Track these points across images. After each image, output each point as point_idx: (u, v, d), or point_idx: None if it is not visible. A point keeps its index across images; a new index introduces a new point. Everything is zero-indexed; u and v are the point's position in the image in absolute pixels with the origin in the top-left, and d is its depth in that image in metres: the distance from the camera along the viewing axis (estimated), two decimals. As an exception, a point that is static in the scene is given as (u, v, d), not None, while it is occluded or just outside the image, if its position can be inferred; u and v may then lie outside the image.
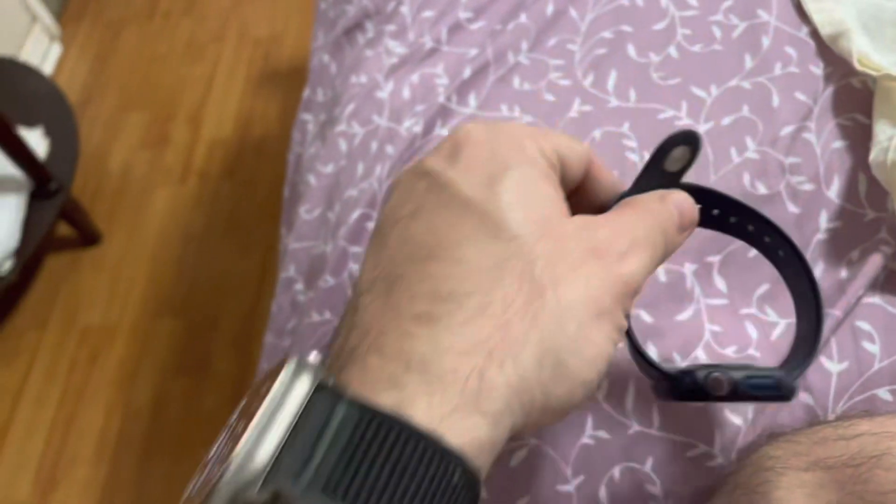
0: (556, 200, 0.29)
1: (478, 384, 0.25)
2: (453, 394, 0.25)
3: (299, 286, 0.62)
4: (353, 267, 0.58)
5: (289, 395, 0.23)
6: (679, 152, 0.32)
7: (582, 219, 0.29)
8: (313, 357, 0.25)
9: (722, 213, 0.37)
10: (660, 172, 0.33)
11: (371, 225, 0.59)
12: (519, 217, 0.27)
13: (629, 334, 0.34)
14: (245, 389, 1.33)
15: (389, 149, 0.61)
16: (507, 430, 0.26)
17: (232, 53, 1.91)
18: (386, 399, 0.24)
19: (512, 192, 0.28)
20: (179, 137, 1.75)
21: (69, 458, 1.33)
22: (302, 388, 0.24)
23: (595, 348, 0.27)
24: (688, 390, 0.34)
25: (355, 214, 0.59)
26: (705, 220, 0.36)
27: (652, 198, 0.32)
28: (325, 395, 0.24)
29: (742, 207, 0.36)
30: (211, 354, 1.42)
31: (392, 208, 0.30)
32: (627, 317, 0.30)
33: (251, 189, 1.64)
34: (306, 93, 0.74)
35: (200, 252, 1.56)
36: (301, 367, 0.24)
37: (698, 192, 0.34)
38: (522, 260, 0.27)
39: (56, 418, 1.38)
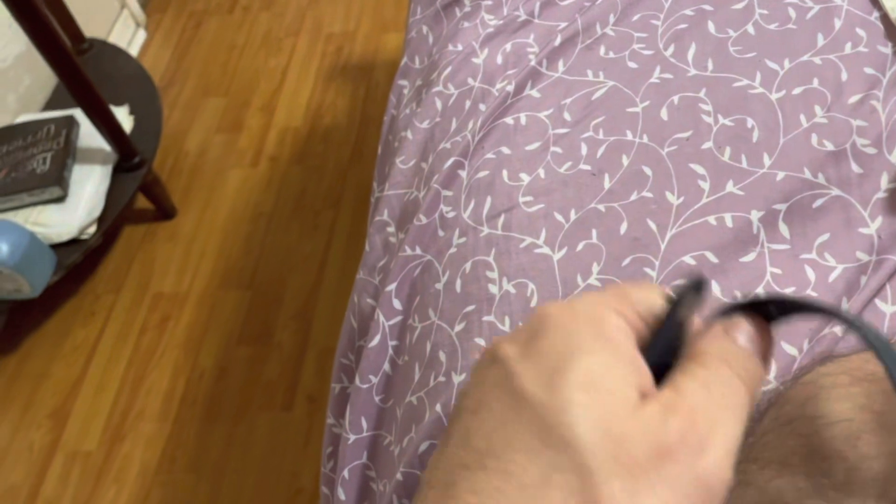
0: (626, 387, 0.25)
1: None
2: None
3: (391, 228, 0.68)
4: (444, 208, 0.63)
5: None
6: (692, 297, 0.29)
7: (651, 409, 0.24)
8: None
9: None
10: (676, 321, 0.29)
11: (462, 173, 0.65)
12: (575, 418, 0.23)
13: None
14: (304, 361, 1.40)
15: (482, 106, 0.67)
16: None
17: (306, 47, 2.00)
18: None
19: (574, 388, 0.24)
20: (253, 123, 1.84)
21: (136, 413, 1.41)
22: None
23: None
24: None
25: (448, 163, 0.65)
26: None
27: (716, 339, 0.27)
28: None
29: (799, 304, 0.29)
30: (273, 326, 1.49)
31: (461, 395, 0.28)
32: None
33: (318, 174, 1.72)
34: (403, 61, 0.81)
35: (268, 231, 1.64)
36: None
37: (750, 306, 0.29)
38: (575, 473, 0.23)
39: (125, 376, 1.46)
